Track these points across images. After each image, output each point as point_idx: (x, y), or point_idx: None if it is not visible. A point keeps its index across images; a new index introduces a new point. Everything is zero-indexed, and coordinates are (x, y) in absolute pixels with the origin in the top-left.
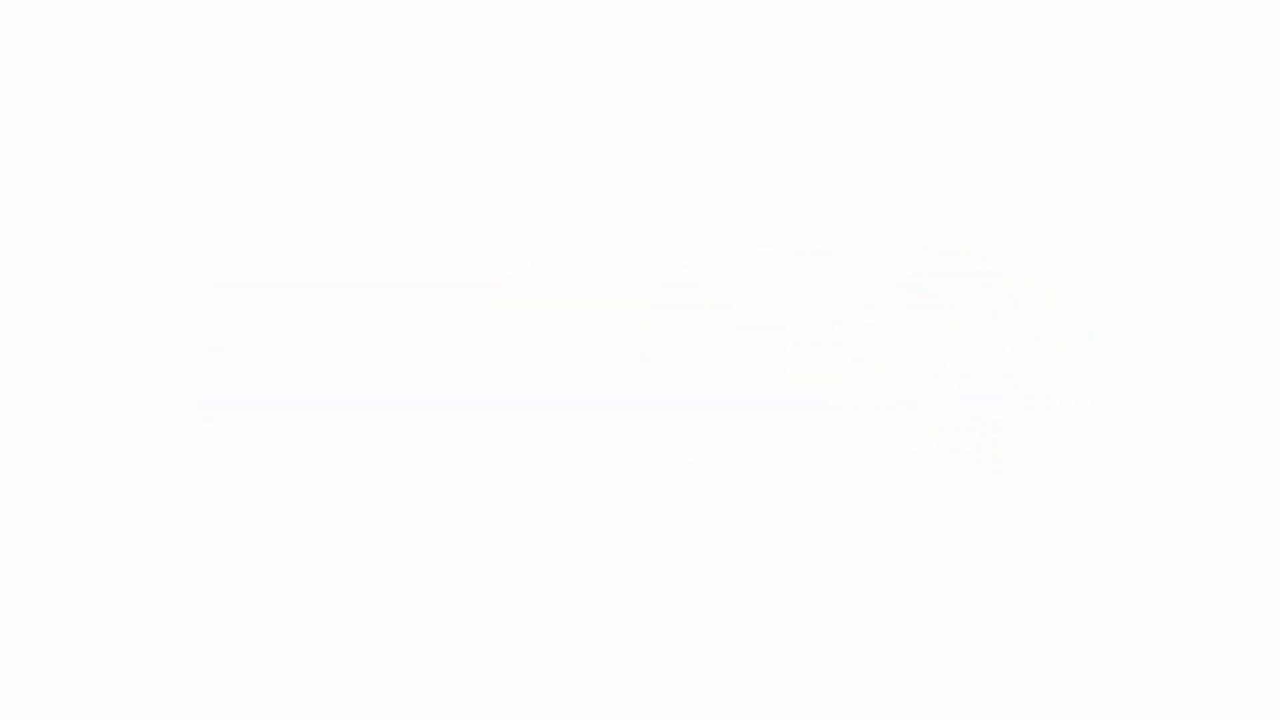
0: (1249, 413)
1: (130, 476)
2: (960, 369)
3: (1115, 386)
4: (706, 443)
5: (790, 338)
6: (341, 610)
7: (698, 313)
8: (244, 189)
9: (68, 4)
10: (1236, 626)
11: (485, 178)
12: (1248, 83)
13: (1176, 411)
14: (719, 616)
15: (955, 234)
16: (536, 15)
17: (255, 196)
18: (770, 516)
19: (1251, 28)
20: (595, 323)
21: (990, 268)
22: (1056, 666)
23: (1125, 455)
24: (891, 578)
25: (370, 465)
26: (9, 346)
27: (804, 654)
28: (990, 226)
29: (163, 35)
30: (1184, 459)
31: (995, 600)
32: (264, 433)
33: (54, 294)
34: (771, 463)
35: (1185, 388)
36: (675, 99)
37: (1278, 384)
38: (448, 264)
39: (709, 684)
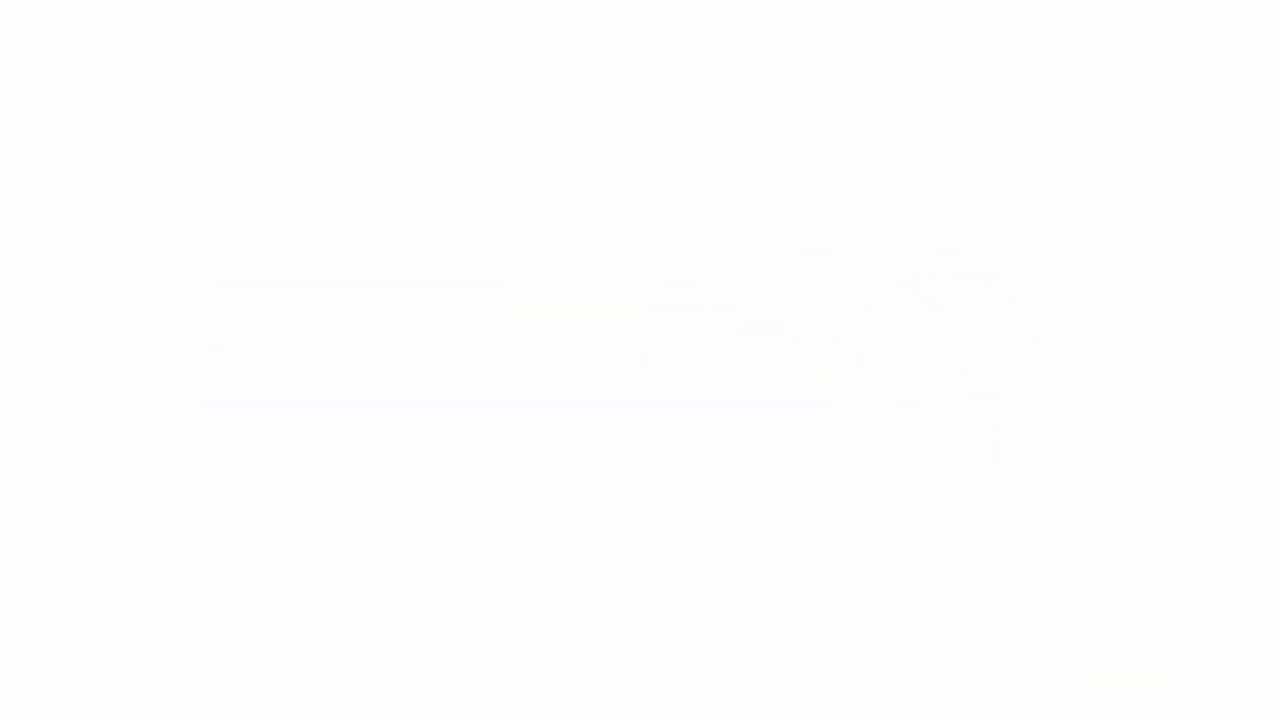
0: (1249, 413)
1: (130, 476)
2: (960, 369)
3: (1115, 386)
4: (706, 443)
5: (790, 338)
6: (341, 610)
7: (698, 313)
8: (244, 189)
9: (68, 4)
10: (1236, 626)
11: (485, 178)
12: (1248, 83)
13: (1176, 411)
14: (719, 616)
15: (955, 234)
16: (536, 15)
17: (255, 196)
18: (770, 516)
19: (1251, 28)
20: (595, 323)
21: (990, 268)
22: (1056, 666)
23: (1125, 455)
24: (892, 577)
25: (370, 465)
26: (9, 346)
27: (804, 654)
28: (990, 226)
29: (163, 35)
30: (1184, 459)
31: (995, 600)
32: (264, 433)
33: (54, 294)
34: (771, 463)
35: (1185, 388)
36: (675, 99)
37: (1278, 384)
38: (448, 264)
39: (709, 684)
